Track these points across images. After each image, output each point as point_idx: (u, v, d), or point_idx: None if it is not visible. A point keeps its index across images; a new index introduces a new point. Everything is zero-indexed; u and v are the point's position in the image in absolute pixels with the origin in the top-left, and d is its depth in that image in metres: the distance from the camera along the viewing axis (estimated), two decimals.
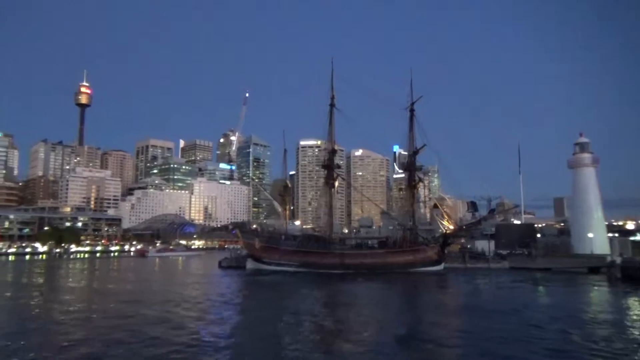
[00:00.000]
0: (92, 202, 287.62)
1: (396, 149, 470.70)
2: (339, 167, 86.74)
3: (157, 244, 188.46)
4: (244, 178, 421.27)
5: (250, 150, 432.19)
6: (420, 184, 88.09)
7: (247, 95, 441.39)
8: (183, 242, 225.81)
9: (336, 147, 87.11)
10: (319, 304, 42.89)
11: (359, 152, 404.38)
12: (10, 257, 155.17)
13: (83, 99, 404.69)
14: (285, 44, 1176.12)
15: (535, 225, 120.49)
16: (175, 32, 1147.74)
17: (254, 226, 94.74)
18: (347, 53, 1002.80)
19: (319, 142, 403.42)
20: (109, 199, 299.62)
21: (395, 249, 77.08)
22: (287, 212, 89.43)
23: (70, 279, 71.33)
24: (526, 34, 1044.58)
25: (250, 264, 79.27)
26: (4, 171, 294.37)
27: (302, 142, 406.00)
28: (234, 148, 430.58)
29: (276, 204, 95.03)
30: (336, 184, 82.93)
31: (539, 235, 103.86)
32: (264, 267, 77.15)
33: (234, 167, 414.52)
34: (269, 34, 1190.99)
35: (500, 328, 28.95)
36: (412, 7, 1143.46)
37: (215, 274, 76.28)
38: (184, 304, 39.41)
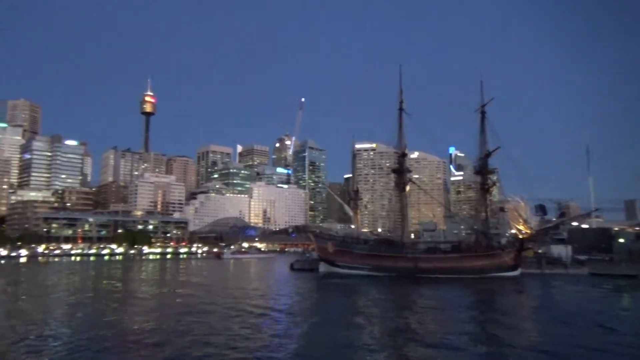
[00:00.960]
0: (159, 206, 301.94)
1: (452, 150, 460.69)
2: (409, 170, 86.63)
3: (233, 247, 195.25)
4: (300, 182, 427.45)
5: (306, 154, 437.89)
6: (494, 187, 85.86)
7: (302, 100, 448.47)
8: (245, 244, 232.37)
9: (403, 151, 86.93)
10: (398, 307, 43.47)
11: (414, 155, 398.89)
12: (92, 258, 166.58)
13: (148, 108, 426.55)
14: (340, 47, 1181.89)
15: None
16: (232, 41, 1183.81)
17: (332, 231, 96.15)
18: (400, 53, 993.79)
19: (374, 145, 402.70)
20: (174, 203, 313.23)
21: (470, 254, 76.00)
22: (359, 216, 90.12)
23: (176, 276, 76.73)
24: (608, 34, 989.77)
25: (323, 267, 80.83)
26: (80, 177, 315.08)
27: (358, 145, 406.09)
28: (290, 152, 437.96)
29: (347, 208, 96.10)
30: (407, 188, 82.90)
31: (621, 240, 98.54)
32: (337, 270, 78.46)
33: (290, 171, 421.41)
34: (322, 39, 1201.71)
35: (585, 337, 28.16)
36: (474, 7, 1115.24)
37: (288, 276, 78.50)
38: (269, 301, 41.32)
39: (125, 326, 30.44)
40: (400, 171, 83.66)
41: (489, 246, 78.04)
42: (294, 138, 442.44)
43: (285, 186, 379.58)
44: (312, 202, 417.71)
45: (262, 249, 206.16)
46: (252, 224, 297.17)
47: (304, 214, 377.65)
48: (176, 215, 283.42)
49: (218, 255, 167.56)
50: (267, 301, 43.85)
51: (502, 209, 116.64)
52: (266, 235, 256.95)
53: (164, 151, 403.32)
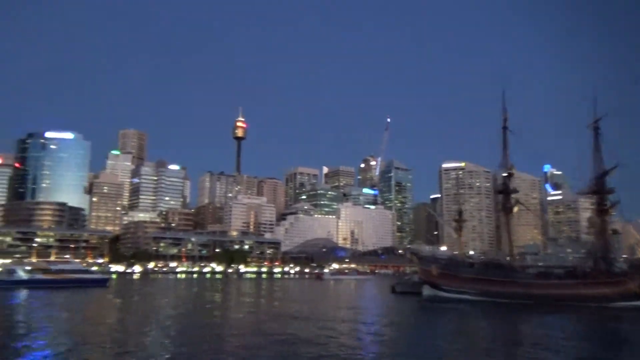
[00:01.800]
0: (252, 226, 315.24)
1: (547, 168, 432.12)
2: (516, 191, 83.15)
3: (328, 268, 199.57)
4: (387, 202, 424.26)
5: (392, 174, 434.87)
6: (612, 208, 79.44)
7: (388, 120, 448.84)
8: (335, 265, 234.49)
9: (509, 171, 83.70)
10: (522, 335, 41.47)
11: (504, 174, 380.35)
12: (194, 275, 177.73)
13: (239, 133, 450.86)
14: (424, 67, 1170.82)
15: None
16: (316, 66, 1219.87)
17: (425, 253, 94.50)
18: (489, 68, 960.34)
19: (463, 164, 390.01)
20: (266, 224, 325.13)
21: (590, 280, 70.60)
22: (462, 238, 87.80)
23: (288, 294, 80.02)
24: None
25: (427, 291, 79.38)
26: (181, 199, 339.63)
27: (445, 165, 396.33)
28: (376, 173, 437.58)
29: (449, 230, 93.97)
30: (515, 209, 79.58)
31: None
32: (441, 294, 76.67)
33: (377, 192, 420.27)
34: (406, 58, 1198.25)
35: None
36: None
37: (392, 298, 78.12)
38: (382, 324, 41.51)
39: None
40: (507, 192, 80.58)
41: (610, 272, 72.03)
42: (379, 158, 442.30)
43: (372, 207, 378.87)
44: (399, 223, 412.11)
45: (359, 270, 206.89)
46: (340, 245, 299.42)
47: (391, 235, 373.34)
48: (267, 235, 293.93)
49: (319, 276, 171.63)
50: (381, 326, 44.17)
51: (615, 232, 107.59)
52: (355, 256, 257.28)
53: (254, 173, 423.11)
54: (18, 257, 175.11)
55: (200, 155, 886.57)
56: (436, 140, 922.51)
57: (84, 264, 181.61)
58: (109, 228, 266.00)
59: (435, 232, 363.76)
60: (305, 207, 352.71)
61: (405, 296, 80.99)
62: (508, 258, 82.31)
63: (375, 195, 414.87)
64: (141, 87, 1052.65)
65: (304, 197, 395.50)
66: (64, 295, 67.40)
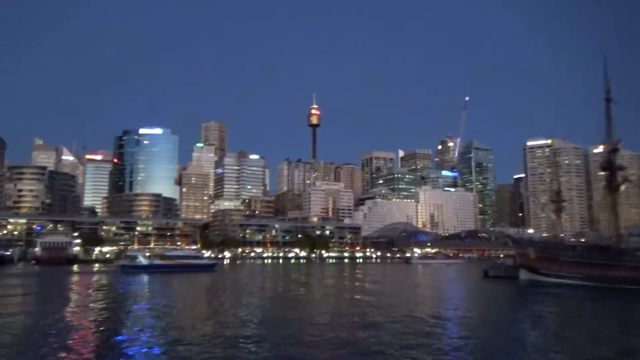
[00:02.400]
0: (330, 212, 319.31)
1: None
2: (622, 168, 76.98)
3: (417, 253, 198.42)
4: (467, 184, 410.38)
5: (472, 155, 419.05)
6: None
7: (467, 99, 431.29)
8: (417, 250, 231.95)
9: (614, 146, 77.43)
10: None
11: (598, 149, 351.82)
12: (280, 260, 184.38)
13: (314, 120, 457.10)
14: (496, 45, 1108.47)
15: None
16: (388, 48, 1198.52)
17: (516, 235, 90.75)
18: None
19: (549, 141, 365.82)
20: (344, 209, 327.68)
21: None
22: (562, 219, 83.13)
23: (386, 277, 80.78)
24: None
25: (524, 275, 76.41)
26: (262, 187, 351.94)
27: (530, 143, 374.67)
28: (455, 154, 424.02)
29: (549, 212, 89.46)
30: (622, 187, 73.78)
31: None
32: (540, 278, 73.40)
33: (456, 174, 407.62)
34: (481, 41, 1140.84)
35: None
36: None
37: (486, 283, 76.10)
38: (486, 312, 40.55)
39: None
40: (613, 169, 74.87)
41: None
42: (458, 139, 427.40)
43: (452, 189, 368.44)
44: (480, 205, 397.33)
45: (447, 254, 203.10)
46: (420, 229, 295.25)
47: (473, 218, 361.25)
48: (346, 221, 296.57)
49: (407, 260, 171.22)
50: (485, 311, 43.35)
51: None
52: (437, 240, 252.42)
53: (329, 159, 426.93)
54: (122, 245, 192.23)
55: (277, 144, 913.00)
56: (516, 119, 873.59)
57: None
58: (197, 216, 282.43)
59: (520, 214, 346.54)
60: (383, 192, 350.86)
61: (497, 281, 78.59)
62: (613, 239, 76.85)
63: (454, 178, 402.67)
64: (220, 80, 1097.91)
65: (380, 181, 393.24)
66: (182, 279, 73.14)
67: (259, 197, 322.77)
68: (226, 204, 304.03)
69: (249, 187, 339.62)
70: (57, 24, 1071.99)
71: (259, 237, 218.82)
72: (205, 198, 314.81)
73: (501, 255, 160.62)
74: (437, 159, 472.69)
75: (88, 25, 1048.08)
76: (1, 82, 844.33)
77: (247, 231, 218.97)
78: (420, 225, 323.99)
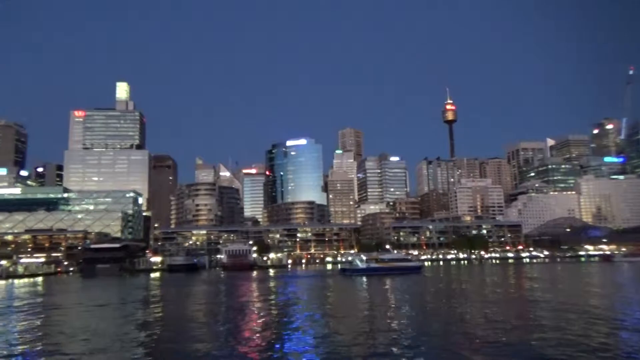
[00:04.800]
0: (479, 210, 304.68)
1: None
2: None
3: (589, 250, 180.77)
4: (637, 170, 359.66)
5: None
6: None
7: (630, 72, 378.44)
8: (589, 247, 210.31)
9: None
10: None
11: None
12: (440, 263, 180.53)
13: (449, 116, 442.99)
14: None
15: None
16: (523, 30, 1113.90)
17: None
18: None
19: None
20: (493, 206, 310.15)
21: None
22: None
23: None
24: None
25: None
26: (405, 189, 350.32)
27: None
28: (622, 136, 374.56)
29: None
30: None
31: None
32: None
33: (623, 159, 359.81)
34: None
35: None
36: None
37: None
38: None
39: None
40: None
41: None
42: (624, 119, 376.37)
43: (621, 177, 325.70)
44: None
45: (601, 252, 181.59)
46: (589, 224, 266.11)
47: None
48: (498, 218, 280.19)
49: (607, 259, 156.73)
50: None
51: None
52: (614, 235, 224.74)
53: (468, 155, 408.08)
54: (286, 251, 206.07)
55: (411, 144, 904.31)
56: None
57: (339, 255, 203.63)
58: (345, 221, 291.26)
59: None
60: (537, 185, 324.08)
61: None
62: None
63: (622, 163, 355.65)
64: (351, 87, 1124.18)
65: (532, 174, 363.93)
66: (401, 281, 75.63)
67: (403, 199, 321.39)
68: (371, 208, 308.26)
69: (391, 189, 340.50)
70: (209, 61, 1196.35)
71: (413, 239, 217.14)
72: (351, 203, 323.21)
73: None
74: (593, 145, 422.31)
75: (236, 59, 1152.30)
76: (169, 113, 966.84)
77: (401, 233, 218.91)
78: (584, 220, 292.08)
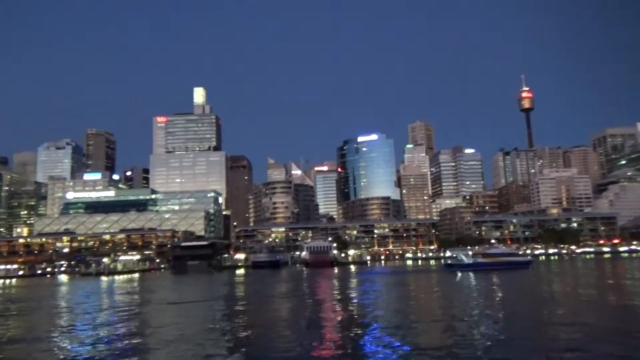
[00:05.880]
0: (564, 202, 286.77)
1: None
2: None
3: None
4: None
5: None
6: None
7: None
8: None
9: None
10: None
11: None
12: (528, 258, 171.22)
13: (526, 104, 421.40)
14: None
15: None
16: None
17: None
18: None
19: None
20: (581, 198, 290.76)
21: None
22: None
23: None
24: None
25: None
26: (482, 182, 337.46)
27: None
28: None
29: None
30: None
31: None
32: None
33: None
34: None
35: None
36: None
37: None
38: None
39: None
40: None
41: None
42: None
43: None
44: None
45: None
46: None
47: None
48: (586, 210, 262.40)
49: None
50: None
51: None
52: None
53: (547, 144, 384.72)
54: (363, 247, 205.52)
55: (483, 136, 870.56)
56: None
57: (418, 251, 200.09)
58: (420, 216, 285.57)
59: None
60: (629, 174, 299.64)
61: None
62: None
63: None
64: (417, 79, 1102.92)
65: (623, 162, 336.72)
66: (512, 276, 71.36)
67: (480, 192, 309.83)
68: (447, 202, 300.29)
69: (467, 182, 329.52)
70: (278, 63, 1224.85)
71: (497, 233, 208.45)
72: (425, 198, 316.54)
73: None
74: None
75: (303, 59, 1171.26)
76: (241, 115, 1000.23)
77: (483, 228, 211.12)
78: None
